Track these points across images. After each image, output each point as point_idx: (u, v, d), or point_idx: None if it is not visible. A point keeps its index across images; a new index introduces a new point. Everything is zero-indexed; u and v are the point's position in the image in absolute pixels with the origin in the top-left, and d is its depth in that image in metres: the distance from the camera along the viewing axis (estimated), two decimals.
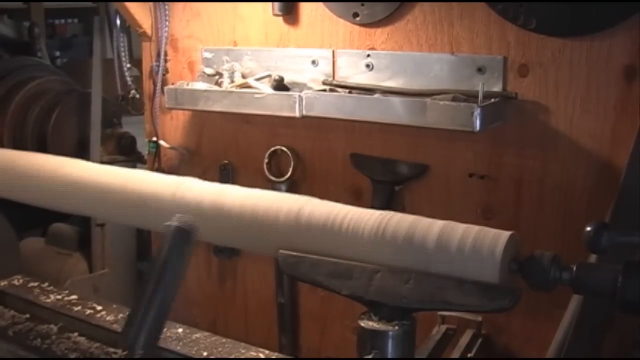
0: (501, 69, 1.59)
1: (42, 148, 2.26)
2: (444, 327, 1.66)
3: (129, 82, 2.20)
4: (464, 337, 1.65)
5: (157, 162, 2.17)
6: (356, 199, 1.82)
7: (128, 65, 2.20)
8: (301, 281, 1.36)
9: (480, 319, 1.66)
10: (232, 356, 1.60)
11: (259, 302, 2.09)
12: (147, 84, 2.15)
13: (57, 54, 4.29)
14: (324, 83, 1.80)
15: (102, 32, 2.30)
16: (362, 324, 1.18)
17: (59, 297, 1.90)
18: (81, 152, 2.26)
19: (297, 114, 1.70)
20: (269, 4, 1.85)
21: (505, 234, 1.15)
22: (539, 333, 1.64)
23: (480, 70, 1.61)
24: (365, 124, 1.74)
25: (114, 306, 1.85)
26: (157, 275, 1.07)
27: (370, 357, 1.16)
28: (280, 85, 1.79)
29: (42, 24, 4.28)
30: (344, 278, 1.21)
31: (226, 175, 2.03)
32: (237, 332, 2.07)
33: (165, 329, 1.72)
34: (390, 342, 1.16)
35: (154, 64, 2.09)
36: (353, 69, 1.78)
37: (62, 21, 5.42)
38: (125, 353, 1.66)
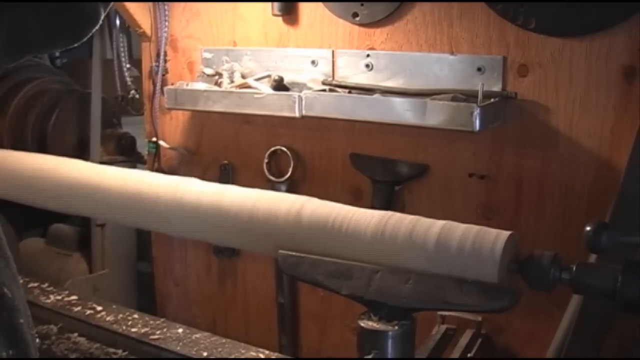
0: (501, 69, 1.59)
1: (42, 148, 2.26)
2: (443, 327, 1.66)
3: (129, 83, 2.20)
4: (464, 337, 1.65)
5: (157, 163, 2.17)
6: (356, 199, 1.82)
7: (128, 66, 2.19)
8: (301, 281, 1.36)
9: (480, 319, 1.66)
10: (232, 356, 1.60)
11: (259, 302, 2.09)
12: (146, 84, 2.15)
13: (57, 54, 4.28)
14: (323, 83, 1.80)
15: (101, 33, 2.30)
16: (362, 324, 1.18)
17: (58, 297, 1.90)
18: (81, 152, 2.25)
19: (296, 114, 1.70)
20: (269, 4, 1.85)
21: (505, 234, 1.15)
22: (539, 333, 1.64)
23: (479, 70, 1.60)
24: (365, 124, 1.74)
25: (114, 306, 1.85)
26: None
27: (370, 357, 1.16)
28: (280, 86, 1.79)
29: None
30: (344, 278, 1.21)
31: (226, 175, 2.03)
32: (237, 332, 2.07)
33: (165, 329, 1.73)
34: (390, 342, 1.16)
35: (154, 64, 2.10)
36: (353, 69, 1.78)
37: None
38: (125, 353, 1.67)
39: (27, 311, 0.73)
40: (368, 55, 1.76)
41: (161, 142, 2.12)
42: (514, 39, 1.57)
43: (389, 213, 1.26)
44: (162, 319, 1.81)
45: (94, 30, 0.84)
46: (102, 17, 0.83)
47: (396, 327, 1.16)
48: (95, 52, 2.28)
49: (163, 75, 2.09)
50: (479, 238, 1.15)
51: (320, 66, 1.82)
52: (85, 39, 0.85)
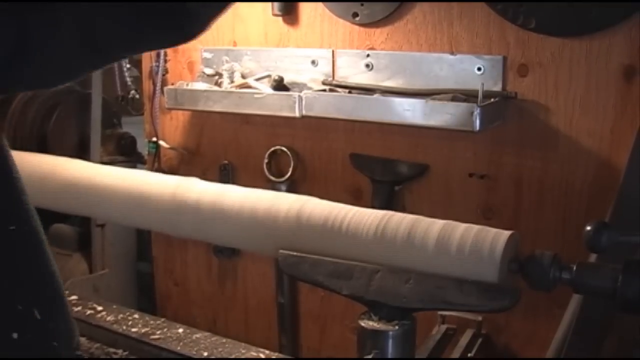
0: (501, 68, 1.59)
1: (42, 148, 2.26)
2: (444, 327, 1.66)
3: (129, 83, 2.20)
4: (464, 337, 1.65)
5: (157, 163, 2.17)
6: (356, 199, 1.82)
7: (128, 66, 2.19)
8: (301, 281, 1.36)
9: (480, 318, 1.66)
10: (232, 356, 1.60)
11: (259, 302, 2.09)
12: (146, 85, 2.15)
13: None
14: (323, 83, 1.80)
15: None
16: (362, 324, 1.18)
17: None
18: (81, 152, 2.25)
19: (296, 114, 1.70)
20: (269, 4, 1.85)
21: (505, 234, 1.15)
22: (539, 333, 1.64)
23: (479, 70, 1.61)
24: (365, 124, 1.74)
25: (114, 306, 1.85)
26: None
27: (370, 357, 1.16)
28: (280, 86, 1.79)
29: None
30: (344, 278, 1.21)
31: (226, 175, 2.03)
32: (237, 332, 2.07)
33: (165, 329, 1.73)
34: (390, 342, 1.17)
35: (154, 64, 2.09)
36: (353, 69, 1.78)
37: None
38: (126, 353, 1.67)
39: (71, 332, 0.69)
40: (368, 55, 1.76)
41: (161, 142, 2.12)
42: (514, 38, 1.57)
43: (389, 213, 1.26)
44: (163, 319, 1.81)
45: (203, 31, 0.76)
46: (213, 18, 0.75)
47: (396, 327, 1.16)
48: None
49: (163, 75, 2.09)
50: (479, 238, 1.15)
51: (321, 66, 1.82)
52: (192, 40, 0.77)
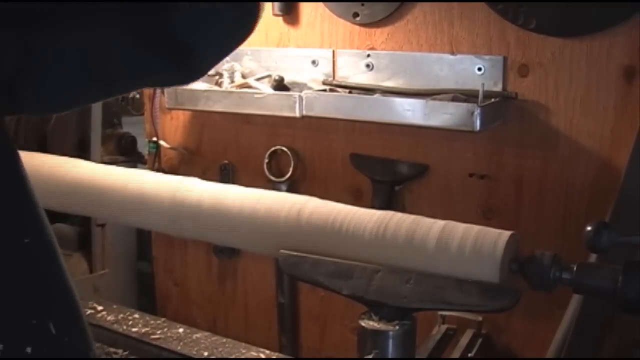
0: (501, 69, 1.59)
1: (42, 148, 2.26)
2: (444, 327, 1.66)
3: None
4: (464, 337, 1.65)
5: (157, 162, 2.17)
6: (356, 199, 1.82)
7: None
8: (301, 281, 1.37)
9: (480, 318, 1.66)
10: (233, 356, 1.60)
11: (259, 302, 2.09)
12: None
13: None
14: (324, 83, 1.80)
15: None
16: (363, 324, 1.18)
17: None
18: (81, 152, 2.25)
19: (297, 114, 1.70)
20: (269, 4, 1.85)
21: (506, 234, 1.15)
22: (539, 333, 1.64)
23: (480, 70, 1.61)
24: (365, 124, 1.74)
25: (114, 306, 1.86)
26: None
27: (370, 357, 1.16)
28: (280, 85, 1.79)
29: None
30: (345, 278, 1.21)
31: (226, 175, 2.03)
32: (238, 332, 2.07)
33: (165, 329, 1.73)
34: (390, 342, 1.17)
35: None
36: (353, 69, 1.78)
37: None
38: (126, 353, 1.67)
39: (87, 346, 0.68)
40: (368, 55, 1.76)
41: (161, 142, 2.12)
42: (514, 39, 1.57)
43: (390, 213, 1.26)
44: (163, 319, 1.81)
45: (203, 69, 0.74)
46: (217, 56, 0.73)
47: (397, 327, 1.17)
48: None
49: None
50: (480, 238, 1.15)
51: (321, 66, 1.82)
52: (194, 79, 0.74)
